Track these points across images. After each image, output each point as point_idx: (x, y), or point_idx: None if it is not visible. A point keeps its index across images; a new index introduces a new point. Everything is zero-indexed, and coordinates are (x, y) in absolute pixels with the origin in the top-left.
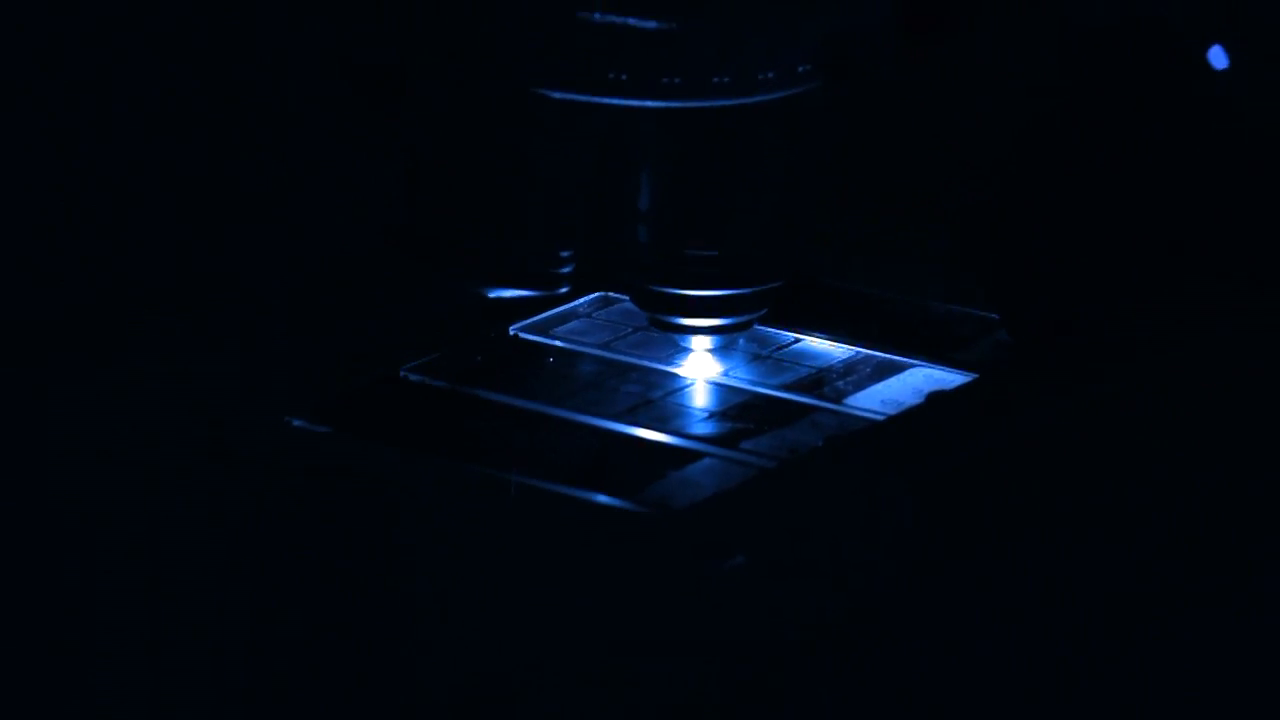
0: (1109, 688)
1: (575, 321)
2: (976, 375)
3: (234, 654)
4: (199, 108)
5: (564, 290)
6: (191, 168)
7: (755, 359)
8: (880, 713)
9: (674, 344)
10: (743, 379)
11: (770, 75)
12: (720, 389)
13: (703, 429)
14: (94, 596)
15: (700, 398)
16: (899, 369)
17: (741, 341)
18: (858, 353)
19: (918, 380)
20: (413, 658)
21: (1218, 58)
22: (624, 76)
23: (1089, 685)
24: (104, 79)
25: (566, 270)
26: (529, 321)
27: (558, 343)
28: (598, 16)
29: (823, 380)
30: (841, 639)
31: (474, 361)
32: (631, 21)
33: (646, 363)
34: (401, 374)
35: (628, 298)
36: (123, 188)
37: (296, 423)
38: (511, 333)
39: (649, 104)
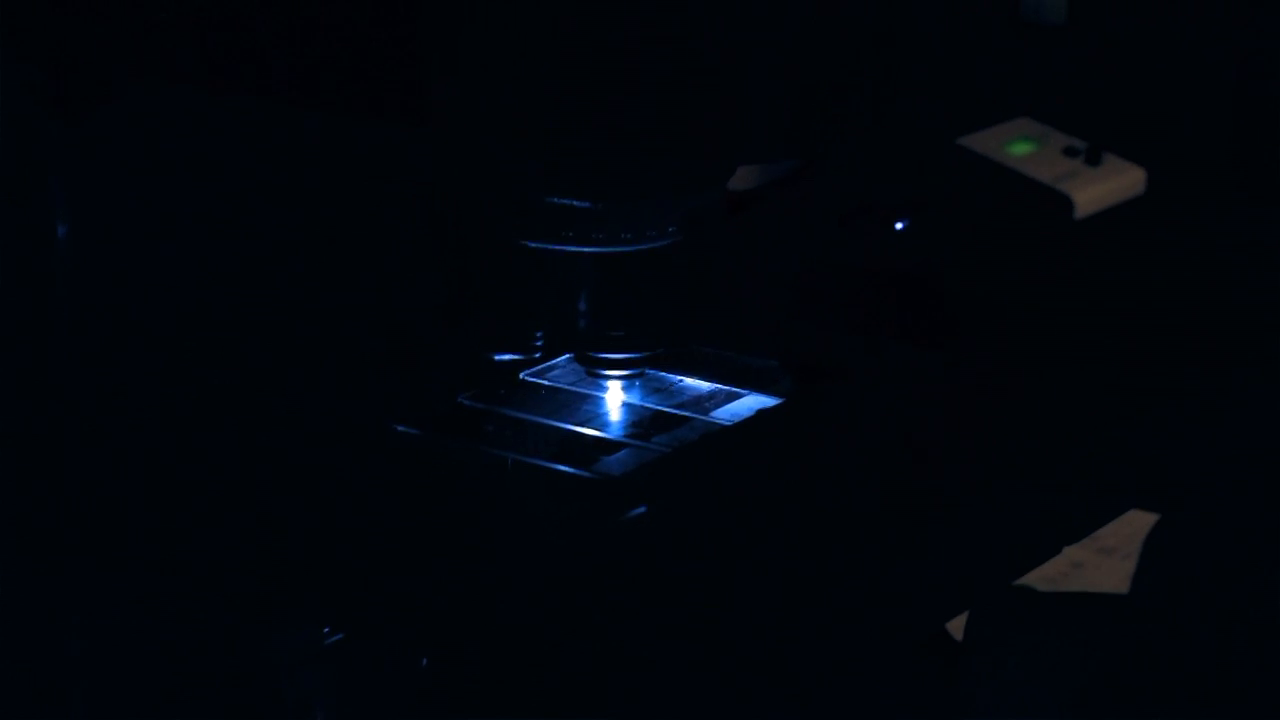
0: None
1: (557, 370)
2: (784, 399)
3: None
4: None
5: (538, 355)
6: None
7: (656, 391)
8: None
9: (603, 384)
10: (649, 402)
11: (654, 232)
12: (637, 408)
13: (627, 430)
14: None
15: (626, 413)
16: (741, 396)
17: (640, 383)
18: (716, 387)
19: (751, 402)
20: (461, 570)
21: (901, 224)
22: (570, 234)
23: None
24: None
25: (539, 343)
26: (532, 370)
27: (546, 382)
28: (555, 199)
29: (696, 403)
30: (722, 563)
31: (500, 393)
32: (574, 203)
33: (595, 393)
34: (459, 400)
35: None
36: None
37: (400, 428)
38: (521, 377)
39: (585, 250)
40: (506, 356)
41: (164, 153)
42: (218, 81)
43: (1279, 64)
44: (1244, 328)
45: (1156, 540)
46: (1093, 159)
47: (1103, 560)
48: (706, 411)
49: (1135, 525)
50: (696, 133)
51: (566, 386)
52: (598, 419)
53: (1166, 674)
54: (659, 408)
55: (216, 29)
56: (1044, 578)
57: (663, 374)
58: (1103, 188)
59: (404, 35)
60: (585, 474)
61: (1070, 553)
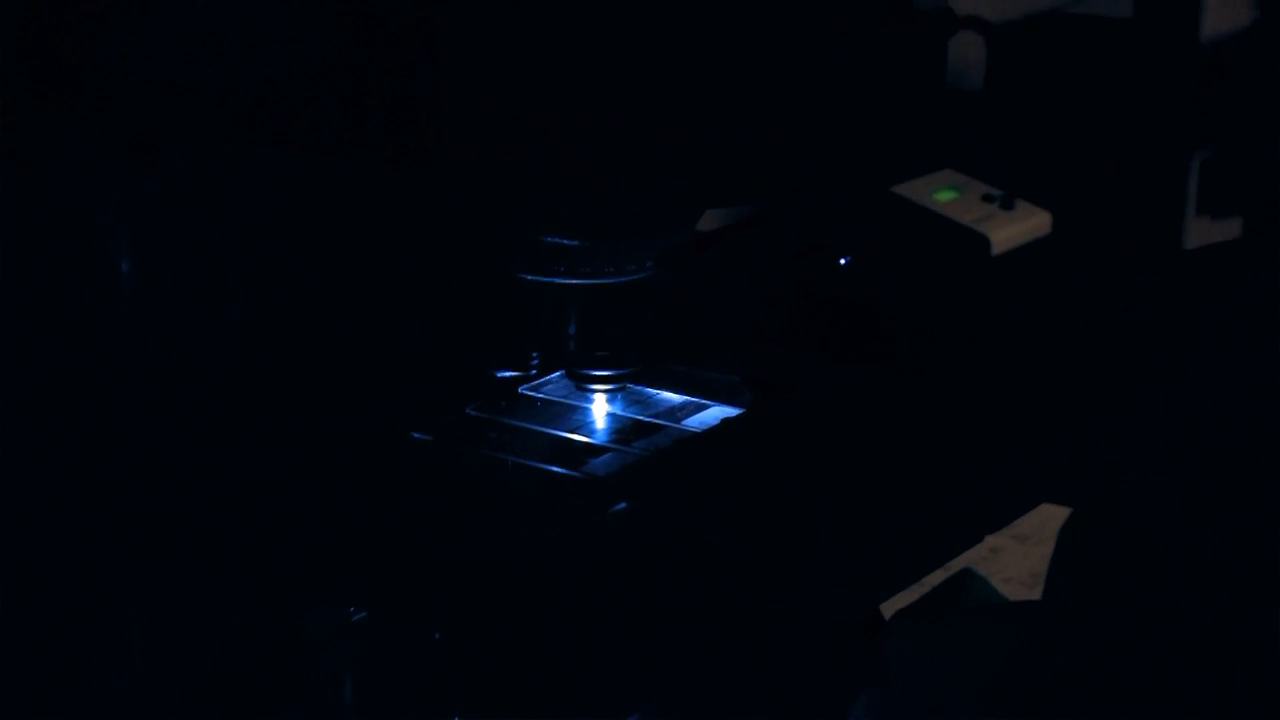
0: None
1: (551, 385)
2: (746, 410)
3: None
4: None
5: (533, 372)
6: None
7: (635, 403)
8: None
9: (590, 397)
10: (630, 413)
11: (633, 267)
12: (619, 417)
13: (611, 436)
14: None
15: (610, 422)
16: (708, 407)
17: (622, 396)
18: (686, 399)
19: (717, 413)
20: (468, 557)
21: (845, 260)
22: (561, 268)
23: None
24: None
25: (534, 362)
26: (529, 384)
27: (541, 395)
28: (548, 239)
29: (670, 413)
30: (692, 551)
31: (501, 405)
32: (565, 241)
33: (582, 405)
34: (466, 411)
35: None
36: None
37: (416, 435)
38: (520, 391)
39: (574, 281)
40: (507, 373)
41: (210, 197)
42: (257, 136)
43: (1160, 125)
44: (1138, 345)
45: (1068, 534)
46: (1007, 204)
47: (1017, 546)
48: (679, 420)
49: (1045, 516)
50: (669, 183)
51: (558, 399)
52: (585, 427)
53: (1077, 668)
54: (638, 417)
55: (255, 94)
56: (965, 561)
57: (641, 388)
58: (1015, 228)
59: (418, 98)
60: (574, 474)
61: (989, 540)
